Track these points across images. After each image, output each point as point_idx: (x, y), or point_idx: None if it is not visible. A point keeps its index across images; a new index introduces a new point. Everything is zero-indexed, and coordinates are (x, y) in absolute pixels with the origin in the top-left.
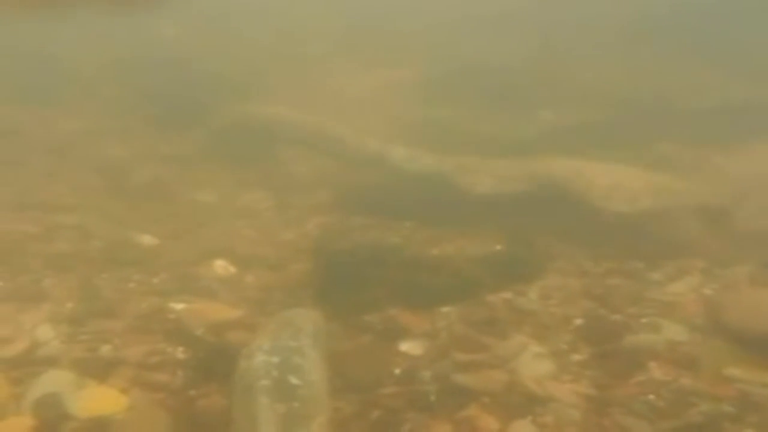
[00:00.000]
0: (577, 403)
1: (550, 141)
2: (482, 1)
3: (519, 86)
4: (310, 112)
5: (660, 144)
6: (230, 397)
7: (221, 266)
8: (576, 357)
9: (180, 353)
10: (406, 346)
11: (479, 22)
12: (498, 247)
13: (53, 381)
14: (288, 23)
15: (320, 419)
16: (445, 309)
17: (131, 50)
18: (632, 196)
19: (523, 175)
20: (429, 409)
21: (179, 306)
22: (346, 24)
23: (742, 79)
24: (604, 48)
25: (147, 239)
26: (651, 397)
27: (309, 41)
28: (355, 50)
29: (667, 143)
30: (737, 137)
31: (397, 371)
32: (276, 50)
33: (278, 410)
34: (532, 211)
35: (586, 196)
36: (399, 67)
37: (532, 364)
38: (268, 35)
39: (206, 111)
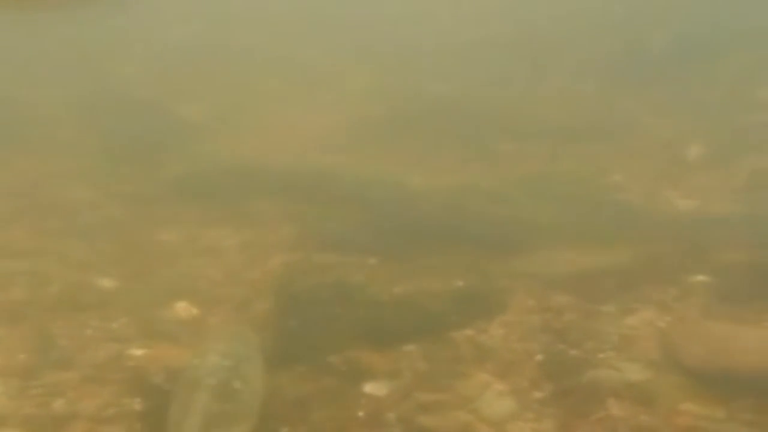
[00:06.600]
0: None
1: None
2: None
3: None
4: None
5: None
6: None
7: (183, 308)
8: (537, 395)
9: (137, 404)
10: (369, 387)
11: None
12: (460, 283)
13: None
14: (246, 58)
15: (245, 427)
16: (408, 347)
17: (90, 88)
18: None
19: None
20: None
21: (138, 352)
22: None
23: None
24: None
25: (106, 282)
26: None
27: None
28: (314, 85)
29: None
30: None
31: (361, 414)
32: (238, 84)
33: (211, 409)
34: None
35: None
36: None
37: (495, 403)
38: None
39: (168, 150)
